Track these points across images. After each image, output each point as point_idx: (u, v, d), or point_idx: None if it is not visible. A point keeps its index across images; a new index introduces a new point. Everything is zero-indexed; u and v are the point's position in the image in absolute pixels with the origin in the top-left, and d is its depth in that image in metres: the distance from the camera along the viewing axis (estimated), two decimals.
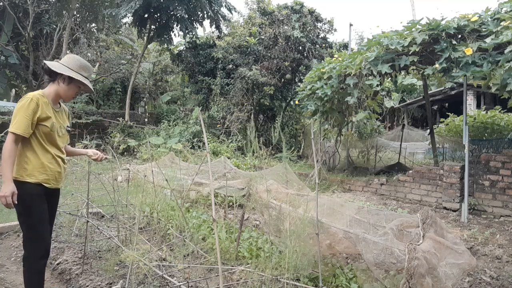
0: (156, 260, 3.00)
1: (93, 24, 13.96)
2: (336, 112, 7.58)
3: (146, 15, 12.72)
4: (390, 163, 9.09)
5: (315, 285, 2.58)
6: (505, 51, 4.06)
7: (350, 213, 2.79)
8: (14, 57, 12.31)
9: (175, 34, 14.72)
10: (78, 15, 12.78)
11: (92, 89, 2.47)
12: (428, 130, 8.86)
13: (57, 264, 3.27)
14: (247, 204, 3.29)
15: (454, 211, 5.89)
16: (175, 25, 12.98)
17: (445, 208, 6.07)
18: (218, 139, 11.82)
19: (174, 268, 2.96)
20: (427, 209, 2.52)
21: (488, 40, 4.23)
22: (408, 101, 16.81)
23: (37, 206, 2.22)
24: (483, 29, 4.43)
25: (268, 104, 12.78)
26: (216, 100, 13.18)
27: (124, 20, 13.11)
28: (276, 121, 12.36)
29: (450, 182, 6.00)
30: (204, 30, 18.21)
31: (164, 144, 11.15)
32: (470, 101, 13.30)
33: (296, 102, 10.52)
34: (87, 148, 7.35)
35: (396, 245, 2.19)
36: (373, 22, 60.00)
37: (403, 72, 7.90)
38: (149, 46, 14.95)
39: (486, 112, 8.71)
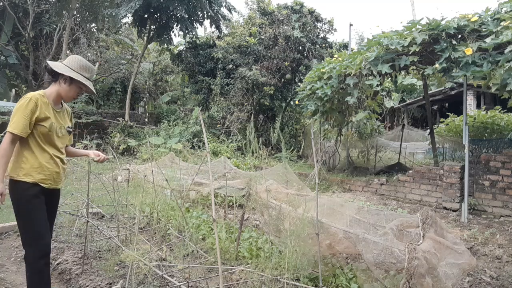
0: (156, 260, 3.00)
1: (93, 24, 13.96)
2: (336, 112, 7.58)
3: (146, 15, 12.72)
4: (390, 163, 9.09)
5: (315, 285, 2.58)
6: (505, 51, 4.06)
7: (350, 213, 2.79)
8: (13, 57, 12.31)
9: (175, 34, 14.73)
10: (78, 15, 12.78)
11: (94, 90, 2.46)
12: (428, 130, 8.86)
13: (57, 264, 3.27)
14: (247, 204, 3.29)
15: (454, 211, 5.89)
16: (175, 25, 12.98)
17: (445, 208, 6.07)
18: (218, 139, 11.82)
19: (174, 268, 2.96)
20: (427, 209, 2.52)
21: (488, 40, 4.23)
22: (408, 101, 16.81)
23: (33, 206, 2.21)
24: (483, 29, 4.43)
25: (268, 104, 12.78)
26: (216, 100, 13.18)
27: (124, 20, 13.11)
28: (276, 121, 12.36)
29: (450, 182, 6.00)
30: (205, 30, 18.22)
31: (164, 144, 11.15)
32: (470, 101, 13.30)
33: (296, 102, 10.52)
34: (87, 148, 7.36)
35: (396, 245, 2.19)
36: (373, 22, 60.02)
37: (403, 72, 7.90)
38: (149, 46, 14.96)
39: (486, 112, 8.71)
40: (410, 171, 6.98)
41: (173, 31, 13.34)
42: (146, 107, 17.12)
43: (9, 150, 2.12)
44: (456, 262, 2.11)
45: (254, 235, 3.61)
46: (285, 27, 12.56)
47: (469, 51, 4.32)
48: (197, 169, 4.72)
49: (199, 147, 11.19)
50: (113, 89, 16.34)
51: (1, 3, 12.23)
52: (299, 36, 12.22)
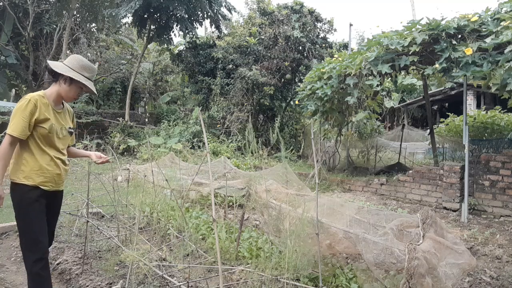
0: (156, 260, 3.00)
1: (93, 24, 13.96)
2: (336, 112, 7.58)
3: (146, 15, 12.72)
4: (390, 163, 9.09)
5: (315, 285, 2.58)
6: (505, 51, 4.06)
7: (350, 213, 2.79)
8: (12, 56, 12.30)
9: (175, 34, 14.76)
10: (78, 15, 12.78)
11: (95, 90, 2.42)
12: (428, 130, 8.86)
13: (57, 264, 3.28)
14: (247, 204, 3.29)
15: (454, 211, 5.89)
16: (175, 25, 12.98)
17: (445, 208, 6.07)
18: (218, 139, 11.82)
19: (174, 268, 2.96)
20: (427, 209, 2.52)
21: (488, 40, 4.23)
22: (408, 101, 16.81)
23: (33, 209, 2.17)
24: (483, 29, 4.43)
25: (268, 104, 12.78)
26: (216, 100, 13.18)
27: (124, 20, 13.12)
28: (276, 121, 12.36)
29: (450, 182, 6.00)
30: (206, 30, 18.22)
31: (164, 144, 11.15)
32: (470, 101, 13.30)
33: (296, 102, 10.52)
34: (87, 148, 7.36)
35: (396, 245, 2.19)
36: (373, 22, 60.04)
37: (403, 72, 7.90)
38: (149, 46, 14.96)
39: (486, 112, 8.71)
40: (410, 171, 6.98)
41: (173, 31, 13.34)
42: (146, 107, 17.12)
43: (8, 152, 2.10)
44: (456, 262, 2.11)
45: (254, 235, 3.61)
46: (285, 27, 12.56)
47: (469, 51, 4.32)
48: (197, 169, 4.72)
49: (199, 147, 11.19)
50: (113, 89, 16.34)
51: (1, 3, 12.23)
52: (299, 36, 12.22)
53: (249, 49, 13.13)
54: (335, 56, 7.69)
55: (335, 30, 13.36)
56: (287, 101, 13.95)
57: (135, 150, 11.28)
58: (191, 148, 11.00)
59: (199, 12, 12.76)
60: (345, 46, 13.48)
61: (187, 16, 12.36)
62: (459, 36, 4.75)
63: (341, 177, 8.33)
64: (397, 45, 5.13)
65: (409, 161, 10.05)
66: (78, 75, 2.29)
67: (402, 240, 2.29)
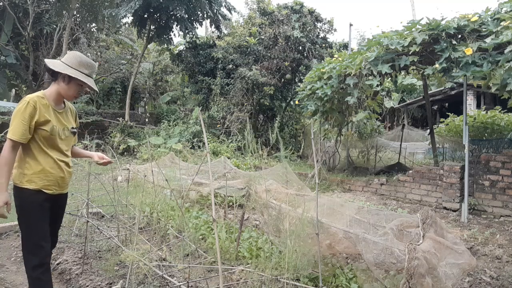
0: (156, 260, 3.00)
1: (93, 24, 13.96)
2: (336, 112, 7.58)
3: (146, 15, 12.72)
4: (390, 163, 9.09)
5: (315, 285, 2.58)
6: (505, 51, 4.06)
7: (350, 213, 2.79)
8: (12, 56, 12.30)
9: (175, 34, 14.74)
10: (78, 15, 12.78)
11: (96, 88, 2.31)
12: (428, 130, 8.86)
13: (57, 264, 3.28)
14: (247, 204, 3.29)
15: (454, 211, 5.89)
16: (175, 25, 12.97)
17: (445, 208, 6.07)
18: (218, 139, 11.82)
19: (174, 268, 2.96)
20: (427, 209, 2.52)
21: (488, 40, 4.23)
22: (408, 101, 16.80)
23: (36, 213, 2.12)
24: (483, 29, 4.43)
25: (268, 104, 12.78)
26: (216, 100, 13.18)
27: (124, 20, 13.11)
28: (276, 121, 12.36)
29: (450, 182, 6.00)
30: (206, 30, 18.22)
31: (164, 144, 11.15)
32: (470, 101, 13.29)
33: (296, 102, 10.52)
34: (87, 148, 7.36)
35: (396, 245, 2.19)
36: (373, 22, 60.03)
37: (403, 72, 7.90)
38: (149, 46, 14.95)
39: (486, 112, 8.71)
40: (410, 171, 6.98)
41: (173, 31, 13.34)
42: (146, 107, 17.12)
43: (10, 157, 2.04)
44: (456, 262, 2.11)
45: (254, 235, 3.61)
46: (285, 27, 12.56)
47: (469, 51, 4.32)
48: (197, 169, 4.72)
49: (199, 147, 11.19)
50: (113, 89, 16.34)
51: (1, 3, 12.23)
52: (299, 36, 12.22)
53: (249, 49, 13.13)
54: (335, 56, 7.69)
55: (335, 30, 13.37)
56: (287, 101, 13.95)
57: (135, 150, 11.28)
58: (191, 148, 11.00)
59: (199, 12, 12.75)
60: (345, 46, 13.48)
61: (187, 16, 12.36)
62: (459, 36, 4.75)
63: (341, 177, 8.33)
64: (397, 45, 5.13)
65: (409, 161, 10.05)
66: (76, 72, 2.21)
67: (402, 240, 2.29)
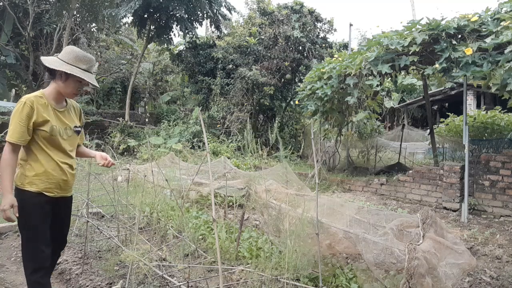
0: (156, 260, 3.00)
1: (93, 24, 13.96)
2: (336, 112, 7.58)
3: (145, 15, 12.72)
4: (390, 163, 9.09)
5: (315, 285, 2.58)
6: (505, 51, 4.06)
7: (350, 213, 2.80)
8: (12, 56, 12.30)
9: (174, 34, 14.73)
10: (78, 15, 12.78)
11: (96, 83, 2.17)
12: (428, 130, 8.86)
13: (57, 264, 3.27)
14: (247, 204, 3.29)
15: (454, 211, 5.89)
16: (174, 25, 12.98)
17: (445, 208, 6.07)
18: (218, 139, 11.82)
19: (174, 268, 2.96)
20: (427, 209, 2.52)
21: (488, 40, 4.23)
22: (408, 101, 16.80)
23: (36, 217, 2.06)
24: (483, 29, 4.43)
25: (268, 104, 12.78)
26: (216, 100, 13.18)
27: (124, 20, 13.12)
28: (276, 121, 12.36)
29: (450, 182, 6.00)
30: (207, 30, 18.21)
31: (164, 144, 11.16)
32: (470, 101, 13.29)
33: (296, 102, 10.52)
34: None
35: (396, 245, 2.19)
36: (373, 22, 60.03)
37: (403, 72, 7.90)
38: (149, 46, 14.96)
39: (486, 112, 8.71)
40: (410, 171, 6.98)
41: (173, 31, 13.35)
42: (146, 107, 17.12)
43: (11, 159, 1.98)
44: (456, 262, 2.11)
45: (254, 235, 3.61)
46: (285, 27, 12.56)
47: (469, 51, 4.32)
48: (197, 169, 4.72)
49: (199, 147, 11.19)
50: (113, 89, 16.35)
51: (1, 3, 12.23)
52: (299, 36, 12.22)
53: (249, 49, 13.13)
54: (335, 56, 7.69)
55: (335, 30, 13.37)
56: (287, 101, 13.96)
57: (135, 150, 11.28)
58: (191, 148, 11.00)
59: (199, 12, 12.76)
60: (345, 46, 13.48)
61: (186, 16, 12.36)
62: (459, 36, 4.75)
63: (341, 177, 8.33)
64: (397, 45, 5.13)
65: (409, 161, 10.05)
66: (72, 68, 2.09)
67: (402, 240, 2.29)
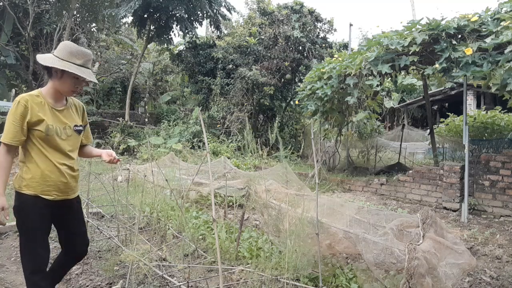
0: (156, 260, 3.00)
1: (93, 24, 13.97)
2: (336, 112, 7.58)
3: (145, 15, 12.73)
4: (390, 163, 9.09)
5: (315, 285, 2.58)
6: (505, 51, 4.06)
7: (350, 213, 2.79)
8: (11, 57, 12.30)
9: (175, 34, 14.77)
10: (78, 15, 12.78)
11: (93, 79, 2.08)
12: (428, 130, 8.86)
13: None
14: (247, 204, 3.29)
15: (454, 211, 5.89)
16: (174, 25, 12.99)
17: (445, 208, 6.06)
18: (218, 139, 11.82)
19: (174, 268, 2.96)
20: (427, 209, 2.52)
21: (488, 40, 4.23)
22: (408, 101, 16.81)
23: (32, 220, 1.99)
24: (483, 29, 4.43)
25: (268, 104, 12.79)
26: (216, 100, 13.19)
27: (124, 20, 13.12)
28: (276, 121, 12.36)
29: (450, 182, 5.99)
30: (207, 29, 18.20)
31: (164, 144, 11.16)
32: (470, 101, 13.30)
33: (296, 102, 10.52)
34: None
35: (396, 245, 2.19)
36: (373, 22, 60.06)
37: (403, 72, 7.90)
38: (149, 46, 14.96)
39: (486, 112, 8.72)
40: (410, 171, 6.98)
41: (173, 31, 13.35)
42: (146, 107, 17.13)
43: (5, 161, 1.91)
44: (456, 262, 2.11)
45: (254, 235, 3.61)
46: (285, 27, 12.56)
47: (469, 51, 4.32)
48: (197, 169, 4.72)
49: (199, 147, 11.19)
50: (113, 89, 16.36)
51: (1, 3, 12.23)
52: (299, 36, 12.22)
53: (249, 49, 13.13)
54: (335, 56, 7.70)
55: (335, 30, 13.37)
56: (287, 101, 13.96)
57: (135, 150, 11.28)
58: (191, 148, 11.00)
59: (199, 12, 12.76)
60: (345, 46, 13.48)
61: (186, 16, 12.37)
62: (459, 36, 4.75)
63: (341, 177, 8.33)
64: (397, 45, 5.13)
65: (409, 161, 10.05)
66: (67, 64, 1.99)
67: (402, 240, 2.29)
